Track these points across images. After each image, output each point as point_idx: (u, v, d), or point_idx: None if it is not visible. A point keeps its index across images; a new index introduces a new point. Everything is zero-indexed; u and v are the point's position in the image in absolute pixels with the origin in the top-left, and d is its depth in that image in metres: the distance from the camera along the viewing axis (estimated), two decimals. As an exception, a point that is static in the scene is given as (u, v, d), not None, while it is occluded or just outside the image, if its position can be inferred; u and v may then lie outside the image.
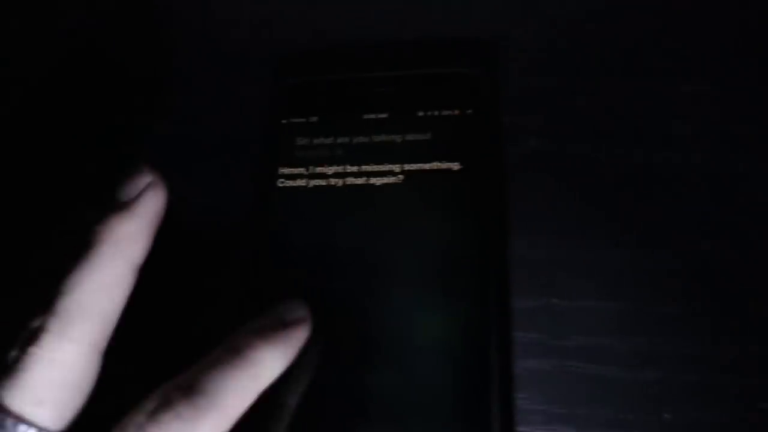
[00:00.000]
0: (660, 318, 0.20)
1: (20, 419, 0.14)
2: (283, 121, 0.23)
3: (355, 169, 0.22)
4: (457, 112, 0.22)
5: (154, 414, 0.15)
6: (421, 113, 0.22)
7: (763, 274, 0.20)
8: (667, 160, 0.22)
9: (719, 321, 0.20)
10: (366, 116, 0.23)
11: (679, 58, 0.24)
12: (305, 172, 0.22)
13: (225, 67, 0.26)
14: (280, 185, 0.22)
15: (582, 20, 0.25)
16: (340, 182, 0.22)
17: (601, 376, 0.19)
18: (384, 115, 0.22)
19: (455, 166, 0.21)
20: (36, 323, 0.15)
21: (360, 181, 0.22)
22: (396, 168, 0.22)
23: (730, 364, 0.19)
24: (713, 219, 0.21)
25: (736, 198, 0.22)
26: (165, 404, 0.15)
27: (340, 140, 0.22)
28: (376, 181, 0.21)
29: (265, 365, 0.16)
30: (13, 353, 0.15)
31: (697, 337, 0.20)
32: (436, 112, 0.22)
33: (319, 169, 0.22)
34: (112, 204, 0.17)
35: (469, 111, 0.22)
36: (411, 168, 0.21)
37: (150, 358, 0.19)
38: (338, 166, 0.22)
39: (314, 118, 0.23)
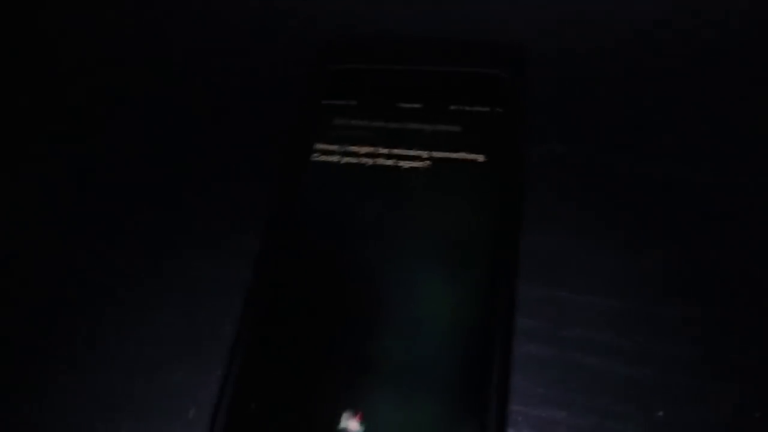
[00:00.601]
0: (662, 318, 0.21)
1: None
2: (324, 102, 0.25)
3: (385, 151, 0.23)
4: (486, 109, 0.23)
5: None
6: (452, 107, 0.24)
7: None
8: (679, 167, 0.23)
9: (722, 326, 0.20)
10: (401, 105, 0.24)
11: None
12: (339, 149, 0.23)
13: (276, 51, 0.28)
14: (315, 159, 0.23)
15: (617, 31, 0.27)
16: (370, 162, 0.23)
17: (599, 369, 0.20)
18: (418, 105, 0.24)
19: (480, 158, 0.22)
20: None
21: (389, 162, 0.23)
22: (424, 154, 0.23)
23: (728, 370, 0.20)
24: (722, 225, 0.22)
25: (743, 205, 0.22)
26: None
27: (374, 124, 0.24)
28: (404, 164, 0.23)
29: None
30: None
31: (699, 340, 0.20)
32: (467, 108, 0.24)
33: (352, 149, 0.23)
34: None
35: (498, 109, 0.23)
36: (438, 156, 0.23)
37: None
38: (370, 147, 0.23)
39: (353, 102, 0.24)
